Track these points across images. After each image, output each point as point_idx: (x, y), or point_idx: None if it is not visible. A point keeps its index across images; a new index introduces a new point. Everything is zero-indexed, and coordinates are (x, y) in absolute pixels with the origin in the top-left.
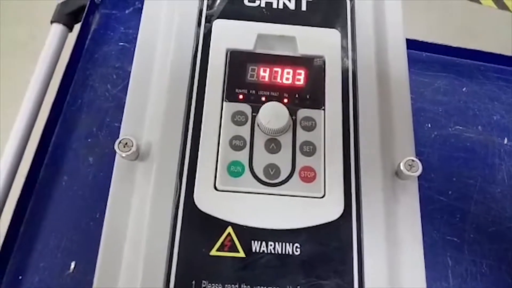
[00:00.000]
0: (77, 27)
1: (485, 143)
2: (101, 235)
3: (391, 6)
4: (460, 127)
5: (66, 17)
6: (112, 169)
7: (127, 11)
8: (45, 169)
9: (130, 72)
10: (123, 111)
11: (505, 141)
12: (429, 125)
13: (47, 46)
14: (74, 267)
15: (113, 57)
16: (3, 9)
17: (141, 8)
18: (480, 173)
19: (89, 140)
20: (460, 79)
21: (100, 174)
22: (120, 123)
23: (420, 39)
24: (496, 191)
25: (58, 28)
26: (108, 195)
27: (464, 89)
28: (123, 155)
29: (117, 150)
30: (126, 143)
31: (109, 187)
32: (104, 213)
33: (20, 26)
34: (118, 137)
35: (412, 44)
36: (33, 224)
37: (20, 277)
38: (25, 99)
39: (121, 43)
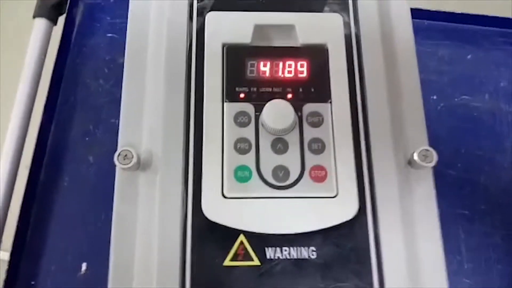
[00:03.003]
0: (61, 20)
1: (492, 111)
2: (108, 234)
3: None
4: (467, 97)
5: (49, 11)
6: (114, 167)
7: (111, 0)
8: (45, 172)
9: (122, 64)
10: (119, 106)
11: None
12: (435, 97)
13: (32, 43)
14: (86, 268)
15: (102, 50)
16: None
17: None
18: (489, 143)
19: (86, 138)
20: (464, 46)
21: (102, 173)
22: (117, 119)
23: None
24: (506, 160)
25: (41, 23)
26: (111, 194)
27: (469, 56)
28: (124, 167)
29: (116, 163)
30: (126, 155)
31: (112, 185)
32: (110, 213)
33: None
34: (116, 133)
35: (412, 13)
36: (39, 229)
37: (33, 283)
38: (16, 102)
39: (109, 34)
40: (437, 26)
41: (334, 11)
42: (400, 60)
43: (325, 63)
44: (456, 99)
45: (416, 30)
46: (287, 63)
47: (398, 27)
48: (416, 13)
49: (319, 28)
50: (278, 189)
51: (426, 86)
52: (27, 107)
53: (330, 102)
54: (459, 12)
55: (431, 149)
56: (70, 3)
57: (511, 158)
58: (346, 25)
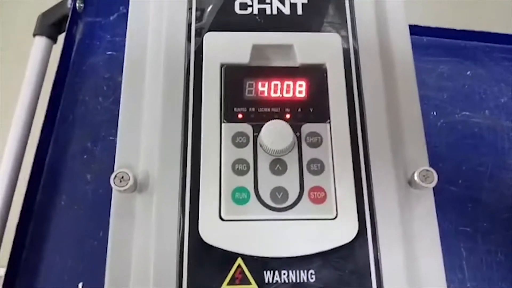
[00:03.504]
0: (61, 38)
1: (493, 127)
2: (105, 253)
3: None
4: (467, 113)
5: (49, 29)
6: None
7: (111, 18)
8: (42, 190)
9: (121, 82)
10: (117, 123)
11: None
12: (435, 113)
13: (32, 61)
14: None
15: (101, 68)
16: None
17: (126, 14)
18: (490, 159)
19: (84, 156)
20: (464, 62)
21: (99, 191)
22: (115, 136)
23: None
24: (508, 176)
25: (41, 41)
26: (109, 212)
27: (468, 72)
28: (120, 189)
29: (113, 186)
30: (122, 177)
31: (110, 203)
32: (107, 231)
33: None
34: (114, 151)
35: (411, 29)
36: (35, 248)
37: None
38: (15, 119)
39: (109, 52)
40: (436, 43)
41: (333, 30)
42: (399, 77)
43: (324, 83)
44: (456, 115)
45: (415, 47)
46: (286, 83)
47: (397, 45)
48: (415, 30)
49: (317, 48)
50: (276, 211)
51: (426, 103)
52: (25, 124)
53: (329, 122)
54: (459, 28)
55: (431, 169)
56: (70, 21)
57: None
58: (345, 44)
